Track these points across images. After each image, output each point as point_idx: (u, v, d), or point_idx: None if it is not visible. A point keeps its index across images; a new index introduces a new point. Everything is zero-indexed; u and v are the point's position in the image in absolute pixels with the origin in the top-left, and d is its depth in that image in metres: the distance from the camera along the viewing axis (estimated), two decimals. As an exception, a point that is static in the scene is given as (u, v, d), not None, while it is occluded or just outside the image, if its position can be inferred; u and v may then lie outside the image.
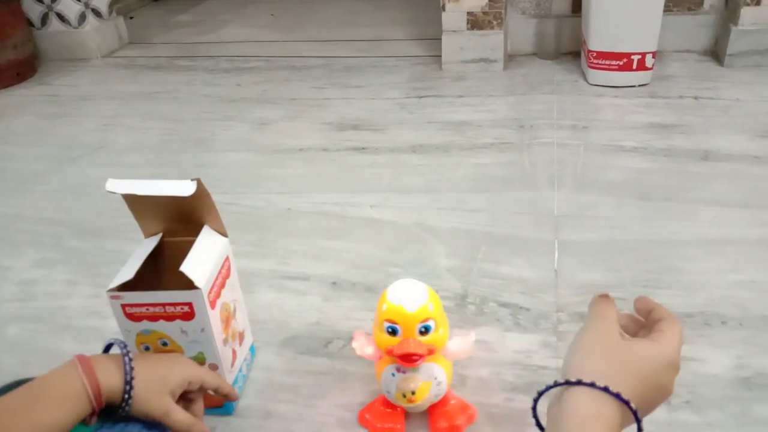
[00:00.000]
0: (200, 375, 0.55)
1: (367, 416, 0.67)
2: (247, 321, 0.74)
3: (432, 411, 0.66)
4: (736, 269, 0.86)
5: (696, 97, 1.40)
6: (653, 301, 0.50)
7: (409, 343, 0.58)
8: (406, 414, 0.66)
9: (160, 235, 0.67)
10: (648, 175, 1.12)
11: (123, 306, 0.59)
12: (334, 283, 0.89)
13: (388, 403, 0.66)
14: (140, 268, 0.61)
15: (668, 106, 1.38)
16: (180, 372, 0.53)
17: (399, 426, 0.65)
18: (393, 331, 0.59)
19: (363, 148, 1.29)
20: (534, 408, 0.49)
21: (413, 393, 0.61)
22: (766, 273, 0.85)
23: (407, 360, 0.59)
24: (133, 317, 0.60)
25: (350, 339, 0.77)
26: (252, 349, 0.76)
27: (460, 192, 1.11)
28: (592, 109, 1.40)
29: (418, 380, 0.62)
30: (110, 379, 0.48)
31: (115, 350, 0.54)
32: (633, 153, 1.19)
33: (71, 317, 0.87)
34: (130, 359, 0.48)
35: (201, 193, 0.62)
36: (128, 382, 0.47)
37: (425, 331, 0.59)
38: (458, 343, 0.64)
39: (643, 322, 0.50)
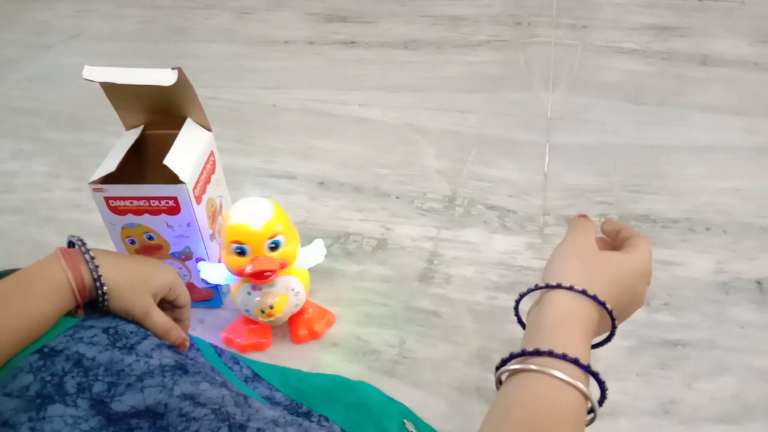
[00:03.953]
0: (181, 285, 0.55)
1: (230, 336, 0.65)
2: (233, 217, 0.73)
3: (292, 321, 0.66)
4: (724, 176, 0.86)
5: (700, -2, 1.35)
6: (620, 222, 0.53)
7: (260, 261, 0.57)
8: (272, 327, 0.66)
9: (141, 128, 0.65)
10: (644, 79, 1.09)
11: (106, 199, 0.58)
12: (321, 183, 0.88)
13: (250, 320, 0.65)
14: (122, 161, 0.59)
15: (670, 7, 1.32)
16: (163, 275, 0.52)
17: (265, 340, 0.65)
18: (242, 252, 0.58)
19: (352, 42, 1.24)
20: (516, 308, 0.51)
21: (271, 308, 0.61)
22: (753, 180, 0.85)
23: (261, 278, 0.58)
24: (117, 210, 0.59)
25: (338, 238, 0.78)
26: (239, 245, 0.76)
27: (452, 92, 1.08)
28: (592, 7, 1.34)
29: (274, 295, 0.61)
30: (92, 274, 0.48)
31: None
32: (631, 55, 1.16)
33: (54, 210, 0.85)
34: (92, 257, 0.46)
35: (182, 83, 0.59)
36: (97, 279, 0.46)
37: (275, 246, 0.58)
38: (309, 251, 0.64)
39: (611, 243, 0.53)
